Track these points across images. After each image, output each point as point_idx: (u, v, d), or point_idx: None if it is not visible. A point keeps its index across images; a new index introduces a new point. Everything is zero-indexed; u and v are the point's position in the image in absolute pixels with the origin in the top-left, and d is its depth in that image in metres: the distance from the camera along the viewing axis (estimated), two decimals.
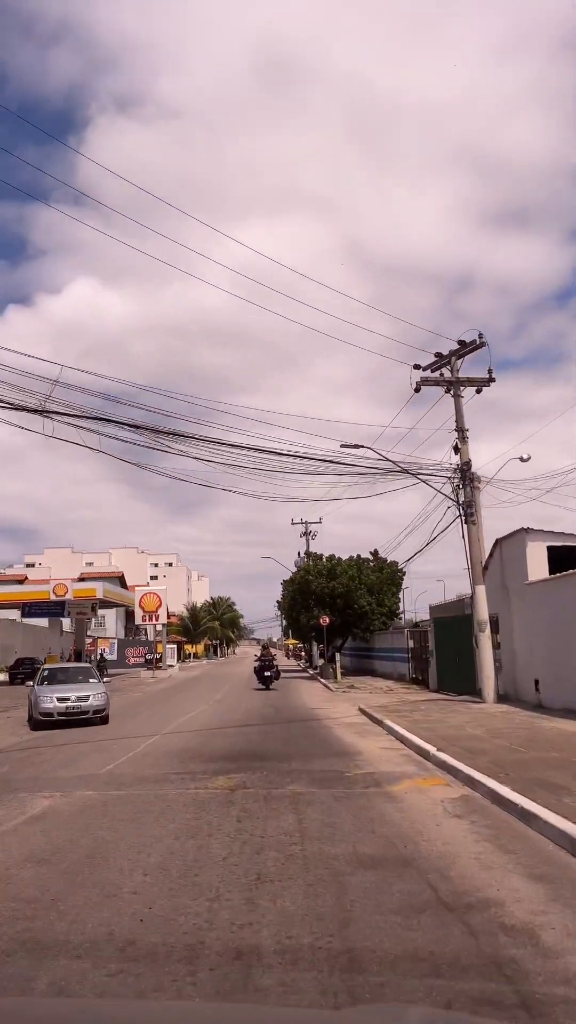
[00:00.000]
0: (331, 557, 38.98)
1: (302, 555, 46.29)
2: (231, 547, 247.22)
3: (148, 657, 69.96)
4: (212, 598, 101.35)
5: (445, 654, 24.70)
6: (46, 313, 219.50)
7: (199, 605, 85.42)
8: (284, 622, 64.36)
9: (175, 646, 74.82)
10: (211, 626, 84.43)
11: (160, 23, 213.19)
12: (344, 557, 39.17)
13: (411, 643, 30.38)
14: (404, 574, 39.80)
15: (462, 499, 20.23)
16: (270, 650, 33.31)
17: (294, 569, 45.60)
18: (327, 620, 36.10)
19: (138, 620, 49.47)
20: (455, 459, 20.41)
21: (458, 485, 20.29)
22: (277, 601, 52.71)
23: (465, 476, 20.13)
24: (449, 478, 20.44)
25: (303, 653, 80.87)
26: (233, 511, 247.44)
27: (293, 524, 49.09)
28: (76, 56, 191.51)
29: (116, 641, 72.76)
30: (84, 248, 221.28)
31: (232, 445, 17.40)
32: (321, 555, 40.17)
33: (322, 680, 33.75)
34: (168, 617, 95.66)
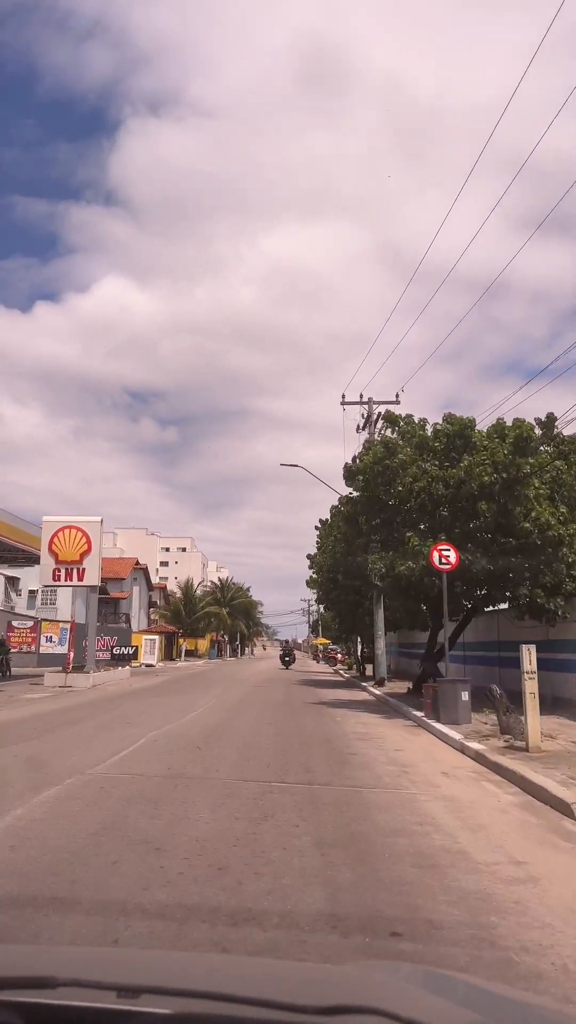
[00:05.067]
0: (450, 417, 15.66)
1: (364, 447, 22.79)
2: (257, 549, 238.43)
3: (117, 650, 47.62)
4: (220, 579, 78.18)
5: None
6: (75, 310, 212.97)
7: (196, 583, 62.39)
8: (317, 600, 40.94)
9: (157, 637, 52.14)
10: (214, 612, 61.33)
11: (194, 21, 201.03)
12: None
13: None
14: None
15: None
16: (289, 644, 40.82)
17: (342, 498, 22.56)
18: (455, 557, 12.90)
19: (46, 578, 26.89)
20: None
21: None
22: (308, 556, 29.72)
23: None
24: None
25: (339, 656, 57.03)
26: (260, 513, 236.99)
27: (344, 405, 25.76)
28: (110, 53, 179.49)
29: (68, 627, 50.22)
30: (116, 247, 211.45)
31: None
32: (424, 420, 16.88)
33: (440, 726, 10.91)
34: (151, 588, 71.40)
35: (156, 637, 52.28)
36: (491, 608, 17.52)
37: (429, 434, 15.61)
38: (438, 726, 11.95)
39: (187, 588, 59.55)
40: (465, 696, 12.21)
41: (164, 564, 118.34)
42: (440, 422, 15.80)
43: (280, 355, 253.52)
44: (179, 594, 61.73)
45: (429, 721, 12.63)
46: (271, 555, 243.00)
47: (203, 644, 67.38)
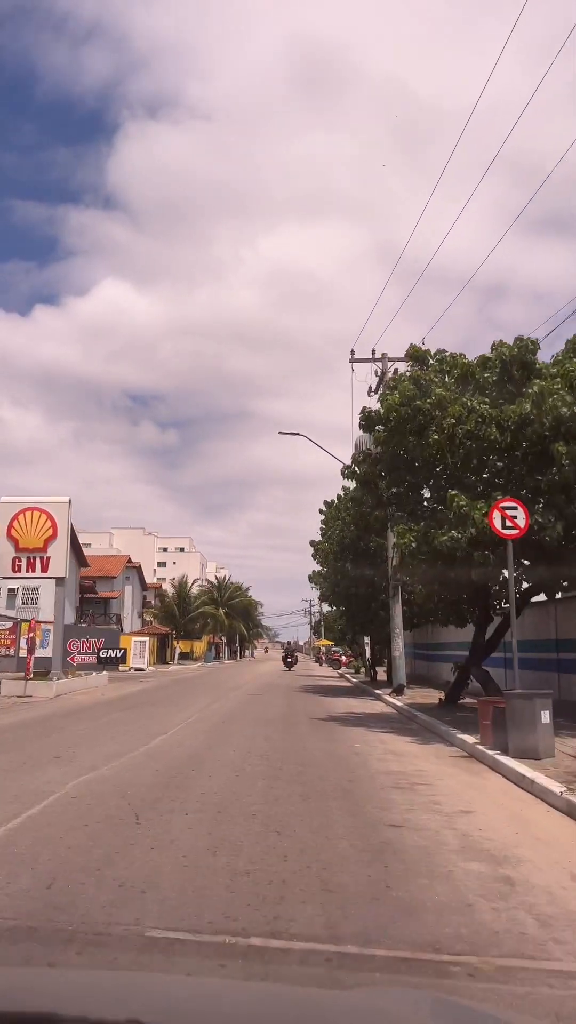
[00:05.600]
0: (501, 344, 11.84)
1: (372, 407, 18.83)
2: (258, 551, 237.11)
3: (104, 653, 43.68)
4: (217, 578, 74.14)
5: None
6: (74, 313, 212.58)
7: (191, 581, 58.28)
8: (320, 598, 36.88)
9: (147, 639, 48.30)
10: (211, 612, 57.36)
11: (191, 24, 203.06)
12: None
13: None
14: None
15: None
16: (291, 644, 39.81)
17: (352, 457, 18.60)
18: (524, 518, 9.04)
19: (4, 569, 23.12)
20: None
21: None
22: (312, 543, 25.87)
23: None
24: None
25: (344, 658, 53.00)
26: (261, 515, 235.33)
27: (353, 363, 21.90)
28: (108, 56, 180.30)
29: (51, 628, 46.36)
30: (115, 250, 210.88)
31: None
32: (462, 353, 13.05)
33: (509, 762, 7.11)
34: (145, 588, 67.11)
35: (146, 639, 48.42)
36: (543, 597, 13.64)
37: (474, 363, 11.74)
38: (507, 761, 8.09)
39: (181, 587, 55.60)
40: (546, 717, 8.37)
41: (162, 564, 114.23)
42: (489, 353, 11.92)
43: (280, 357, 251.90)
44: (171, 590, 57.82)
45: (490, 752, 8.77)
46: (272, 557, 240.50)
47: (199, 646, 63.37)
